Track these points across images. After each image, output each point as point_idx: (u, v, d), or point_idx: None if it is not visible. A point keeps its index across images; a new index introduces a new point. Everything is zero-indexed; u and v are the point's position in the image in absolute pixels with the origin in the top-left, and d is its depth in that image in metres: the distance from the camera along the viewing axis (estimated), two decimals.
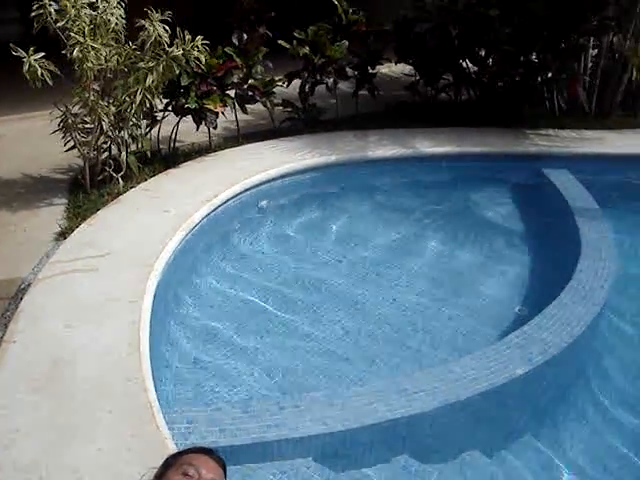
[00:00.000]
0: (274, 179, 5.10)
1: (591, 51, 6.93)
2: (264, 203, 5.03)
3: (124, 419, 2.54)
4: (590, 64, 6.97)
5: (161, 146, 5.38)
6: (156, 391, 2.73)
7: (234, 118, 5.75)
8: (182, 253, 4.00)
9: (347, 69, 6.13)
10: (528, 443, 3.09)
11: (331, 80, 6.01)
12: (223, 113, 5.33)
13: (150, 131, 5.14)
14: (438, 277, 4.45)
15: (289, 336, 3.72)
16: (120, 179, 4.64)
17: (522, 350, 3.23)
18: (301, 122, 6.05)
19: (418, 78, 6.64)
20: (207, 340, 3.63)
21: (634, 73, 7.15)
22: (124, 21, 4.31)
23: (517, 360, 3.14)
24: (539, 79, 6.46)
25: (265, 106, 5.73)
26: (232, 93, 5.45)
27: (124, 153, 4.66)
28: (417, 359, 3.59)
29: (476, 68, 6.61)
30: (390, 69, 6.97)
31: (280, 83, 5.82)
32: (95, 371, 2.80)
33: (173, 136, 5.39)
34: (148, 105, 4.65)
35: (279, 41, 5.78)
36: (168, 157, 5.27)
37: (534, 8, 5.94)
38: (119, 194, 4.54)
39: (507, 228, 5.24)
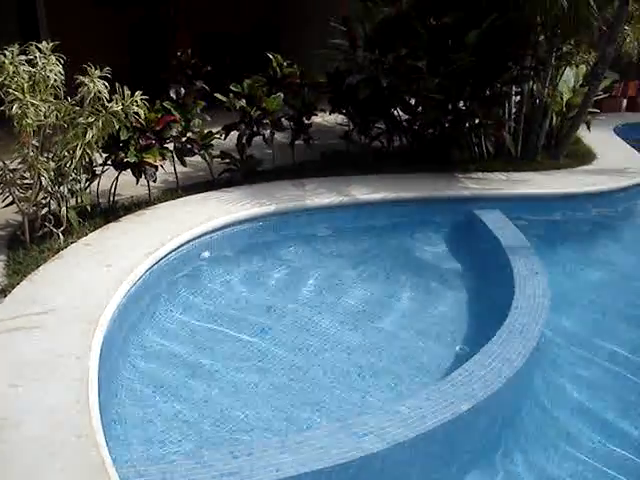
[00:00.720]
0: (214, 230, 5.14)
1: (514, 98, 7.31)
2: (205, 254, 5.06)
3: (76, 477, 2.51)
4: (514, 110, 7.34)
5: (101, 200, 5.37)
6: (107, 447, 2.70)
7: (173, 171, 5.81)
8: (126, 307, 3.97)
9: (283, 120, 6.27)
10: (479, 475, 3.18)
11: (268, 131, 6.13)
12: (162, 166, 5.37)
13: (89, 185, 5.13)
14: (379, 319, 4.53)
15: (237, 387, 3.74)
16: (60, 234, 4.60)
17: (465, 387, 3.33)
18: (239, 173, 6.14)
19: (352, 127, 6.85)
20: (156, 393, 3.61)
21: (554, 118, 7.59)
22: (63, 77, 4.33)
23: (461, 397, 3.24)
24: (467, 125, 6.74)
25: (204, 158, 5.81)
26: (171, 146, 5.51)
27: (64, 208, 4.63)
28: (363, 402, 3.64)
29: (407, 116, 6.85)
30: (325, 119, 7.16)
31: (218, 135, 5.91)
32: (44, 430, 2.76)
33: (113, 190, 5.39)
34: (88, 160, 4.67)
35: (216, 94, 5.90)
36: (108, 211, 5.26)
37: (460, 60, 6.24)
38: (60, 249, 4.50)
39: (444, 269, 5.41)
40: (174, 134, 5.41)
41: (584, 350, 4.37)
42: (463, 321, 4.61)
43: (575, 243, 6.32)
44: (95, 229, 4.89)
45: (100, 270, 4.22)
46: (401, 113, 6.91)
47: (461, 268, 5.45)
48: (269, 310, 4.57)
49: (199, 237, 4.99)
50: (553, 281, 4.76)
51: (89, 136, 4.33)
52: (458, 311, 4.73)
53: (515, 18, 6.48)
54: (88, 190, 5.09)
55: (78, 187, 4.81)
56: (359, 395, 3.70)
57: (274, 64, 6.31)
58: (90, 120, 4.34)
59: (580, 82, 7.93)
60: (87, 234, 4.79)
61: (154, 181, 5.39)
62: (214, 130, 5.87)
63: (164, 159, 5.34)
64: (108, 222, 5.03)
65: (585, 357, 4.30)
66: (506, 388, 3.38)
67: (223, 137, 6.08)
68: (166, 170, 5.64)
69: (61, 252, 4.47)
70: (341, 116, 7.02)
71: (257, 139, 6.24)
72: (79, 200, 4.85)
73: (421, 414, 3.08)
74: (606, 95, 9.52)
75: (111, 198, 5.41)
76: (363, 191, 5.98)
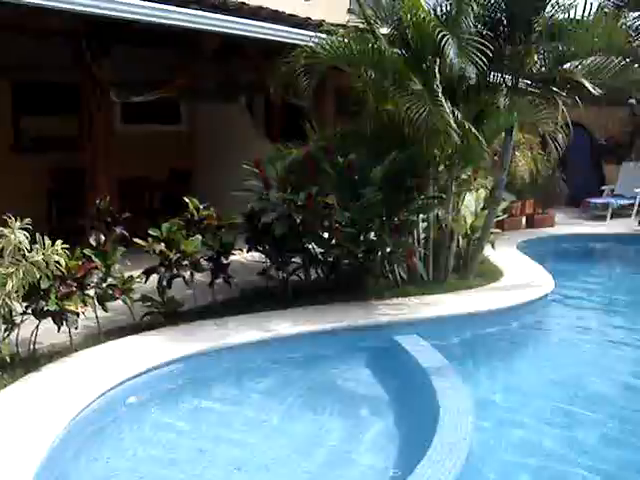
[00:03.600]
0: (138, 375, 5.09)
1: (421, 225, 7.75)
2: (131, 400, 5.00)
3: None
4: (423, 236, 7.76)
5: (20, 349, 5.25)
6: None
7: (95, 316, 5.79)
8: (49, 460, 3.86)
9: (202, 261, 6.41)
10: None
11: (187, 273, 6.24)
12: (83, 312, 5.37)
13: (8, 335, 5.05)
14: (309, 452, 4.54)
15: None
16: None
17: None
18: (161, 315, 6.17)
19: (269, 264, 7.04)
20: None
21: (460, 240, 8.06)
22: None
23: None
24: (379, 255, 7.06)
25: (125, 303, 5.83)
26: (92, 292, 5.53)
27: None
28: None
29: (322, 250, 7.13)
30: (243, 257, 7.35)
31: (138, 279, 5.97)
32: None
33: (33, 338, 5.31)
34: (7, 310, 4.64)
35: (135, 239, 6.02)
36: (28, 360, 5.14)
37: (367, 194, 6.64)
38: None
39: (369, 397, 5.51)
40: (95, 280, 5.45)
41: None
42: (394, 445, 4.65)
43: (491, 358, 6.57)
44: (14, 380, 4.78)
45: (21, 423, 4.13)
46: (316, 247, 7.17)
47: (386, 394, 5.55)
48: (200, 452, 4.51)
49: (123, 382, 4.93)
50: (474, 397, 4.95)
51: (9, 286, 4.35)
52: (387, 436, 4.79)
53: (415, 153, 7.00)
54: (7, 340, 5.01)
55: None
56: None
57: (191, 207, 6.52)
58: (10, 270, 4.37)
59: (481, 205, 8.47)
60: (6, 386, 4.68)
61: (75, 328, 5.36)
62: (135, 274, 5.94)
63: (86, 305, 5.34)
64: (28, 372, 4.92)
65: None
66: None
67: (144, 280, 6.14)
68: (87, 316, 5.61)
69: None
70: (259, 254, 7.22)
71: (178, 280, 6.33)
72: None
73: None
74: (506, 215, 10.21)
75: (31, 347, 5.30)
76: (284, 325, 6.11)
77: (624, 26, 8.93)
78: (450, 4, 7.28)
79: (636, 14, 12.21)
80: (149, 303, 6.16)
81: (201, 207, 6.55)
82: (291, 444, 4.65)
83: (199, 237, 6.32)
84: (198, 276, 6.54)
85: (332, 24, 7.73)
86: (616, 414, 5.31)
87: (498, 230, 9.16)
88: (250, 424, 4.94)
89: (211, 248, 6.52)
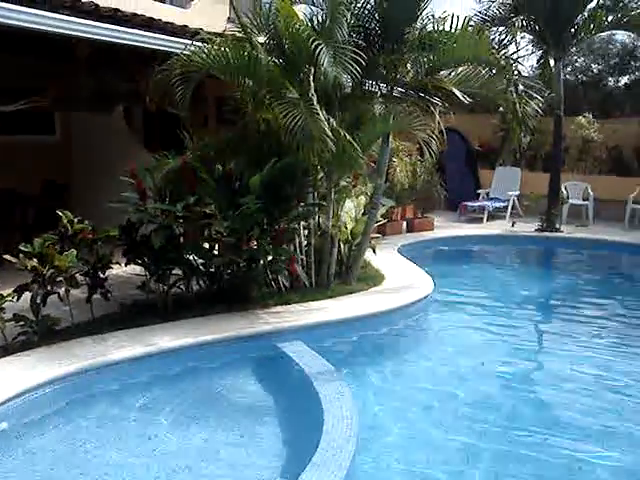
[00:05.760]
0: (12, 399, 4.85)
1: (303, 232, 7.81)
2: (3, 425, 4.76)
3: None
4: (305, 243, 7.82)
5: None
6: None
7: None
8: None
9: (78, 276, 6.19)
10: None
11: (62, 289, 6.01)
12: None
13: None
14: (194, 467, 4.47)
15: None
16: None
17: None
18: (36, 335, 5.90)
19: (149, 276, 6.88)
20: None
21: (342, 246, 8.19)
22: None
23: None
24: (262, 263, 7.05)
25: None
26: None
27: None
28: None
29: (203, 260, 7.04)
30: (122, 270, 7.14)
31: (10, 298, 5.70)
32: None
33: None
34: None
35: (5, 256, 5.73)
36: None
37: (247, 202, 6.61)
38: None
39: (255, 406, 5.47)
40: None
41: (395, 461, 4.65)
42: (280, 453, 4.67)
43: (374, 360, 6.71)
44: None
45: None
46: (197, 258, 7.07)
47: (271, 402, 5.57)
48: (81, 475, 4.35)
49: None
50: (358, 400, 5.04)
51: None
52: (274, 445, 4.79)
53: (293, 161, 7.04)
54: None
55: None
56: None
57: (64, 221, 6.28)
58: None
59: (362, 211, 8.64)
60: None
61: None
62: (5, 293, 5.66)
63: None
64: None
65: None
66: None
67: (16, 299, 5.85)
68: None
69: None
70: (138, 267, 7.04)
71: (53, 297, 6.08)
72: None
73: None
74: (386, 220, 10.47)
75: None
76: (166, 339, 5.99)
77: (488, 39, 9.37)
78: (325, 14, 7.39)
79: (501, 28, 12.99)
80: (22, 322, 5.88)
81: (75, 220, 6.32)
82: (175, 460, 4.55)
83: (74, 251, 6.09)
84: (76, 292, 6.31)
85: (210, 33, 7.67)
86: (483, 401, 5.73)
87: (379, 235, 9.38)
88: (131, 443, 4.80)
89: (87, 262, 6.32)
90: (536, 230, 13.37)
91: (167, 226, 6.49)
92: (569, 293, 10.11)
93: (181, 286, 7.03)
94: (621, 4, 12.73)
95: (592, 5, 12.86)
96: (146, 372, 5.69)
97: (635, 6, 12.78)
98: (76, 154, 11.32)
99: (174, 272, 6.92)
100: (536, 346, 7.71)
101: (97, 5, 7.26)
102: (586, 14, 12.88)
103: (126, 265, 6.84)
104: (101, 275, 6.48)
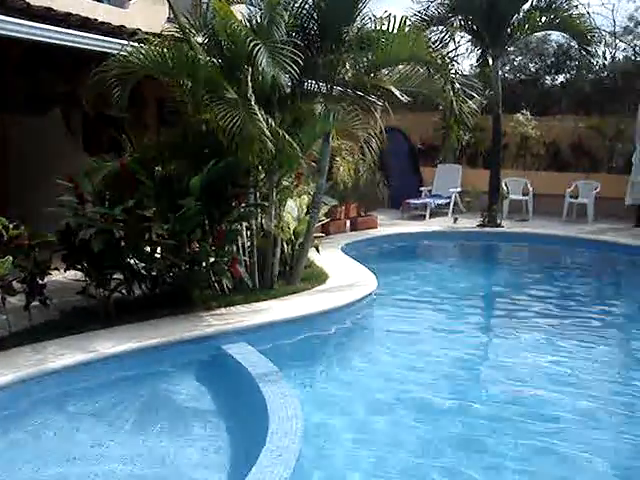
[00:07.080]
0: None
1: (245, 233, 7.78)
2: None
3: None
4: (248, 244, 7.80)
5: None
6: None
7: None
8: None
9: (15, 284, 6.04)
10: None
11: None
12: None
13: None
14: (141, 472, 4.43)
15: None
16: None
17: None
18: None
19: (89, 281, 6.75)
20: None
21: (285, 246, 8.19)
22: None
23: None
24: (204, 265, 6.99)
25: None
26: None
27: None
28: None
29: (144, 264, 6.94)
30: (62, 276, 6.99)
31: None
32: None
33: None
34: None
35: None
36: None
37: (187, 204, 6.55)
38: None
39: (200, 409, 5.44)
40: None
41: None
42: (226, 456, 4.67)
43: (319, 359, 6.78)
44: None
45: None
46: (138, 262, 6.96)
47: (217, 404, 5.54)
48: None
49: None
50: (303, 399, 5.06)
51: None
52: (220, 447, 4.77)
53: (233, 161, 7.00)
54: None
55: None
56: None
57: None
58: None
59: (304, 211, 8.66)
60: None
61: None
62: None
63: None
64: None
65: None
66: None
67: None
68: None
69: None
70: (78, 272, 6.90)
71: None
72: None
73: None
74: (329, 219, 10.52)
75: None
76: (107, 345, 5.88)
77: (426, 38, 9.49)
78: (262, 14, 7.38)
79: (440, 28, 13.21)
80: None
81: (10, 226, 6.16)
82: (119, 466, 4.48)
83: (10, 258, 5.93)
84: (13, 299, 6.16)
85: (149, 33, 7.58)
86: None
87: (322, 234, 9.40)
88: (74, 451, 4.70)
89: (24, 269, 6.15)
90: (478, 226, 13.63)
91: (106, 230, 6.37)
92: (508, 285, 10.43)
93: (123, 291, 6.92)
94: (554, 6, 13.08)
95: (527, 6, 13.22)
96: (88, 379, 5.58)
97: (566, 7, 13.15)
98: (13, 159, 11.02)
99: (115, 277, 6.81)
100: (476, 334, 7.93)
101: (29, 4, 7.10)
102: (521, 15, 13.22)
103: (65, 271, 6.69)
104: (39, 281, 6.33)
